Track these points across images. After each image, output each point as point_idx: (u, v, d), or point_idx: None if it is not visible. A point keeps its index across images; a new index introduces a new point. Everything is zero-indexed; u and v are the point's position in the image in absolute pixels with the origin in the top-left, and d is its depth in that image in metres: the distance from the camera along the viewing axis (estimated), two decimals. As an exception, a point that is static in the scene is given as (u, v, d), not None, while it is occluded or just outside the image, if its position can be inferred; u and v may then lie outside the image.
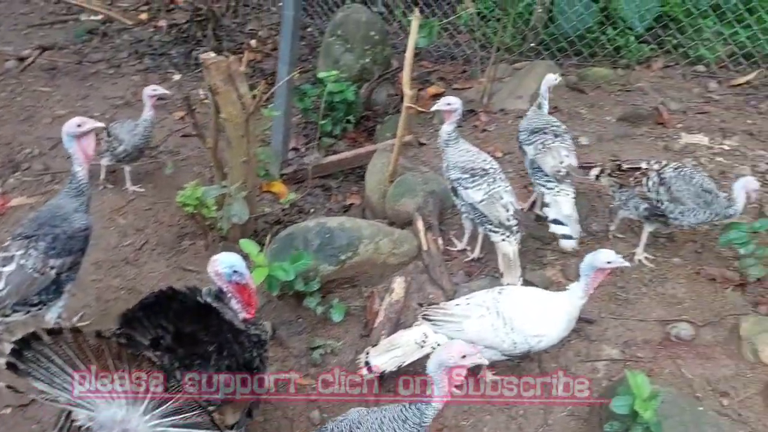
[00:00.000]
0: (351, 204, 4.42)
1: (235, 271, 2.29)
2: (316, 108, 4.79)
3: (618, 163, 3.37)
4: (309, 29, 6.60)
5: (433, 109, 3.36)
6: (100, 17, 6.01)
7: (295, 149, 4.90)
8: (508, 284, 3.00)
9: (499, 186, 3.17)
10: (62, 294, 2.87)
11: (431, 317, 2.73)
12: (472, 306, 2.69)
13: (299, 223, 3.55)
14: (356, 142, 5.03)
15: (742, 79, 5.06)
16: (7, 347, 1.83)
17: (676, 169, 3.17)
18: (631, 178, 3.23)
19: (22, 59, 5.27)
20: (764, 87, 4.96)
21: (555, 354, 2.90)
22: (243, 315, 2.35)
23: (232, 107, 3.26)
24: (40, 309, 2.82)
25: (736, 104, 4.76)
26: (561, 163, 3.29)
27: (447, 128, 3.30)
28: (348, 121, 4.98)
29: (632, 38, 5.55)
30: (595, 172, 3.39)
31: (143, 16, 6.14)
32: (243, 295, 2.35)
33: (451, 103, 3.27)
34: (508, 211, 3.11)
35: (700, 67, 5.29)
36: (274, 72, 4.76)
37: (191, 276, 3.55)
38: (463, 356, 2.10)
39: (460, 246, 3.50)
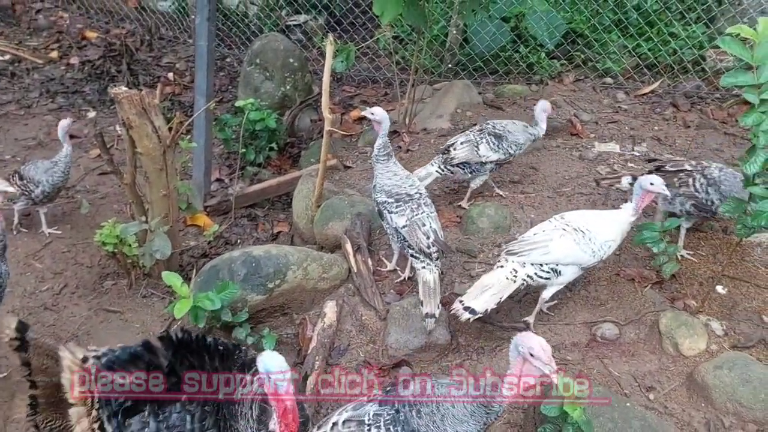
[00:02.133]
0: (279, 232, 4.37)
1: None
2: (238, 138, 4.74)
3: (658, 165, 3.47)
4: (228, 59, 6.56)
5: (362, 114, 3.40)
6: (7, 57, 5.75)
7: (219, 180, 4.82)
8: (426, 313, 3.00)
9: (423, 212, 3.15)
10: None
11: (516, 251, 2.93)
12: (548, 231, 2.96)
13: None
14: (281, 170, 5.01)
15: (647, 89, 5.38)
16: None
17: (720, 170, 3.28)
18: (675, 179, 3.32)
19: None
20: (668, 95, 5.29)
21: (489, 358, 2.94)
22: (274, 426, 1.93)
23: (148, 140, 3.18)
24: None
25: (643, 112, 5.04)
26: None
27: (378, 141, 3.27)
28: (271, 149, 4.95)
29: (543, 55, 5.82)
30: (627, 179, 3.50)
31: (54, 54, 5.93)
32: (279, 407, 1.90)
33: (375, 113, 3.27)
34: (428, 238, 3.07)
35: (608, 79, 5.60)
36: (193, 104, 4.68)
37: (114, 317, 3.40)
38: (531, 354, 2.01)
39: (390, 266, 3.50)
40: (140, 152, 3.20)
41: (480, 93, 5.42)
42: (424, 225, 3.09)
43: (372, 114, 3.29)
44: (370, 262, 3.51)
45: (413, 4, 4.44)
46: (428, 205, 3.20)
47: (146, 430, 1.92)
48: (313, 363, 3.00)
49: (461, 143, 3.79)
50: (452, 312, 2.92)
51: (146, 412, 1.93)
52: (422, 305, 3.03)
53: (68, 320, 3.39)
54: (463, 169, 3.81)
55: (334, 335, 3.16)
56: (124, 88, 3.17)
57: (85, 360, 2.06)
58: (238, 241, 4.17)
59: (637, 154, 4.39)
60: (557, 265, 2.93)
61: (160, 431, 1.92)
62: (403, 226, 3.11)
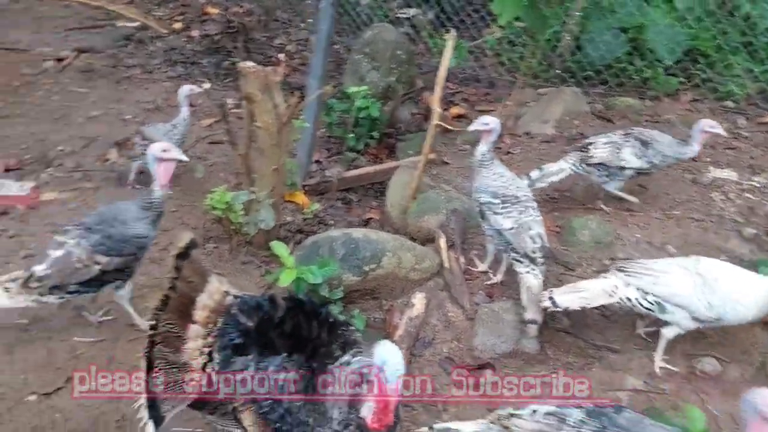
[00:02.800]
0: (370, 218, 4.43)
1: (383, 369, 1.84)
2: (341, 123, 4.84)
3: None
4: (336, 46, 6.70)
5: (471, 129, 3.34)
6: (136, 24, 6.14)
7: (317, 162, 4.94)
8: (529, 319, 2.97)
9: (530, 216, 3.10)
10: (101, 288, 2.95)
11: (626, 269, 2.85)
12: (672, 264, 2.81)
13: (321, 232, 3.57)
14: (377, 158, 5.07)
15: (772, 118, 5.05)
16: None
17: None
18: None
19: (60, 60, 5.39)
20: (794, 127, 4.94)
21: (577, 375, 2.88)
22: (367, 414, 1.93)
23: (267, 116, 3.31)
24: (75, 296, 2.91)
25: (764, 141, 4.73)
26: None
27: (482, 148, 3.26)
28: (371, 137, 5.03)
29: (660, 70, 5.57)
30: None
31: (177, 26, 6.26)
32: (381, 401, 1.89)
33: (488, 122, 3.25)
34: (535, 243, 3.02)
35: (729, 103, 5.28)
36: (302, 86, 4.82)
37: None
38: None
39: (481, 267, 3.48)
40: (258, 126, 3.33)
41: (589, 103, 5.26)
42: (531, 229, 3.04)
43: (486, 124, 3.25)
44: (462, 259, 3.51)
45: (533, 6, 4.38)
46: (535, 209, 3.15)
47: (245, 372, 2.02)
48: (398, 351, 3.03)
49: (603, 143, 3.68)
50: (539, 298, 2.92)
51: (250, 356, 2.04)
52: (525, 310, 3.00)
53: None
54: (599, 170, 3.69)
55: (420, 327, 3.19)
56: (251, 63, 3.30)
57: (226, 293, 2.22)
58: (332, 222, 4.27)
59: (756, 184, 4.13)
60: (665, 301, 2.77)
61: (256, 377, 2.01)
62: (509, 229, 3.08)
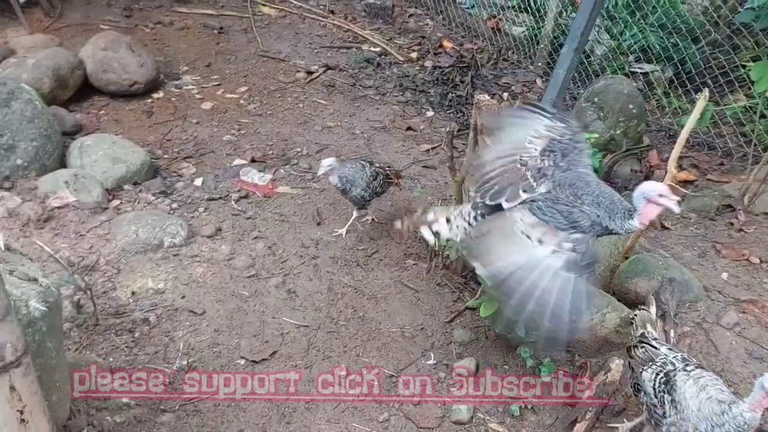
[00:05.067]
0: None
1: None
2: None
3: None
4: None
5: None
6: (378, 50, 6.70)
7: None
8: None
9: None
10: None
11: None
12: None
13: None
14: (591, 211, 4.88)
15: None
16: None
17: None
18: None
19: (309, 73, 6.07)
20: None
21: None
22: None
23: (493, 148, 3.39)
24: None
25: None
26: None
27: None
28: (587, 188, 4.86)
29: None
30: None
31: (413, 55, 6.70)
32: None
33: None
34: None
35: None
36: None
37: (409, 293, 3.72)
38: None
39: (693, 346, 3.17)
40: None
41: None
42: None
43: None
44: (672, 333, 3.22)
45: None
46: None
47: None
48: (585, 413, 2.88)
49: None
50: None
51: None
52: None
53: (372, 281, 3.81)
54: None
55: (612, 394, 3.00)
56: (486, 97, 3.42)
57: None
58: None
59: None
60: None
61: None
62: None
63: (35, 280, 1.99)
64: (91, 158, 4.13)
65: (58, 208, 3.74)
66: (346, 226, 4.14)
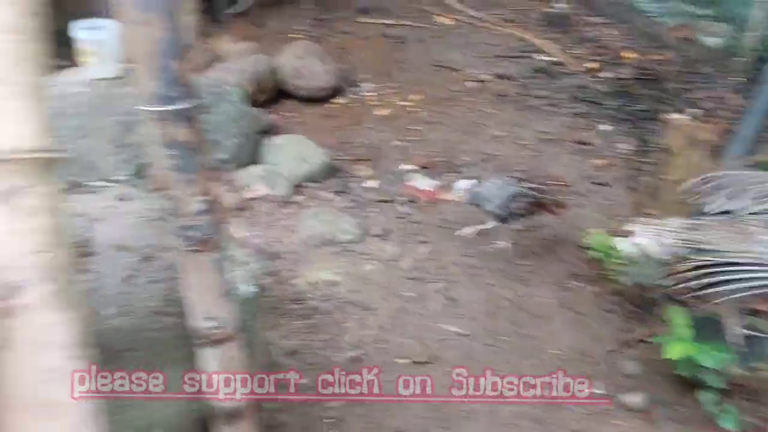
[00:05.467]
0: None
1: None
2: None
3: None
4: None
5: None
6: (552, 59, 6.55)
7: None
8: None
9: None
10: None
11: None
12: None
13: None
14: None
15: None
16: None
17: None
18: None
19: (480, 82, 6.11)
20: None
21: None
22: None
23: (681, 172, 3.19)
24: None
25: None
26: None
27: None
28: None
29: None
30: None
31: (590, 65, 6.45)
32: None
33: None
34: None
35: None
36: (717, 146, 4.45)
37: (572, 314, 3.62)
38: None
39: None
40: (670, 179, 3.23)
41: None
42: None
43: None
44: None
45: None
46: None
47: None
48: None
49: None
50: None
51: None
52: None
53: (533, 295, 3.76)
54: None
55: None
56: (679, 116, 3.23)
57: None
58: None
59: None
60: None
61: None
62: None
63: (246, 263, 2.27)
64: (280, 156, 4.57)
65: (252, 199, 4.21)
66: (473, 229, 4.08)
